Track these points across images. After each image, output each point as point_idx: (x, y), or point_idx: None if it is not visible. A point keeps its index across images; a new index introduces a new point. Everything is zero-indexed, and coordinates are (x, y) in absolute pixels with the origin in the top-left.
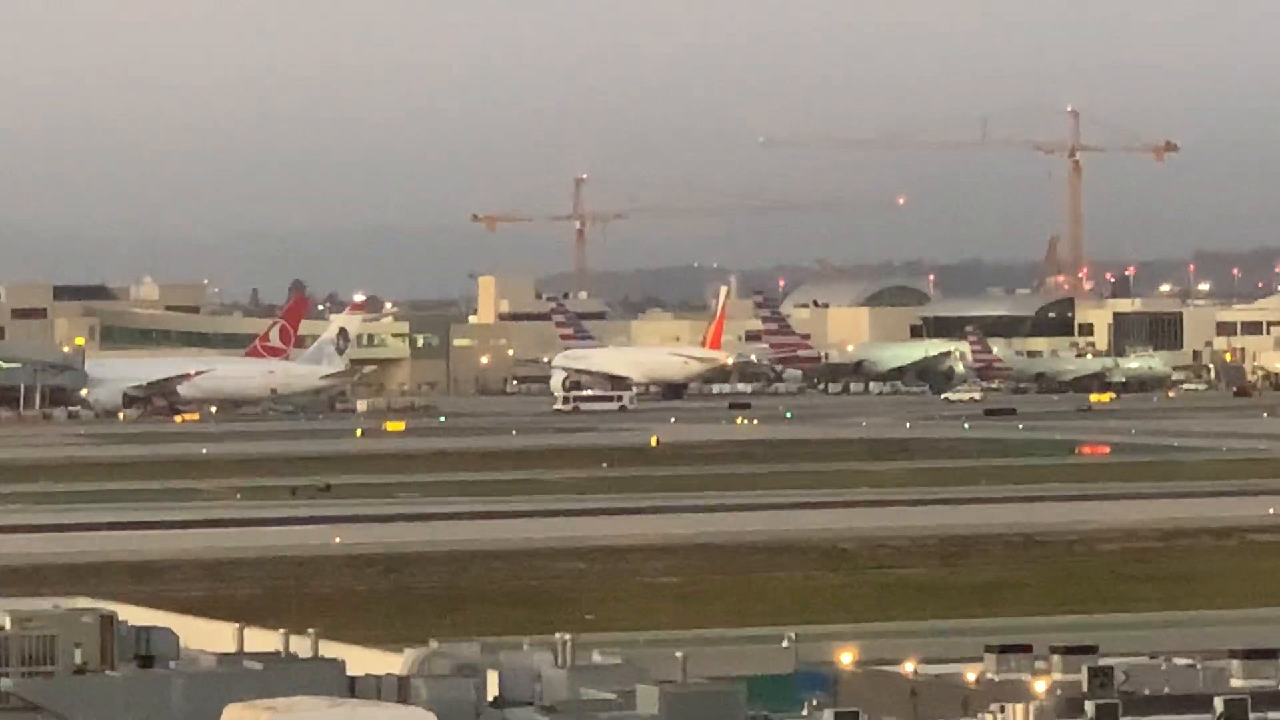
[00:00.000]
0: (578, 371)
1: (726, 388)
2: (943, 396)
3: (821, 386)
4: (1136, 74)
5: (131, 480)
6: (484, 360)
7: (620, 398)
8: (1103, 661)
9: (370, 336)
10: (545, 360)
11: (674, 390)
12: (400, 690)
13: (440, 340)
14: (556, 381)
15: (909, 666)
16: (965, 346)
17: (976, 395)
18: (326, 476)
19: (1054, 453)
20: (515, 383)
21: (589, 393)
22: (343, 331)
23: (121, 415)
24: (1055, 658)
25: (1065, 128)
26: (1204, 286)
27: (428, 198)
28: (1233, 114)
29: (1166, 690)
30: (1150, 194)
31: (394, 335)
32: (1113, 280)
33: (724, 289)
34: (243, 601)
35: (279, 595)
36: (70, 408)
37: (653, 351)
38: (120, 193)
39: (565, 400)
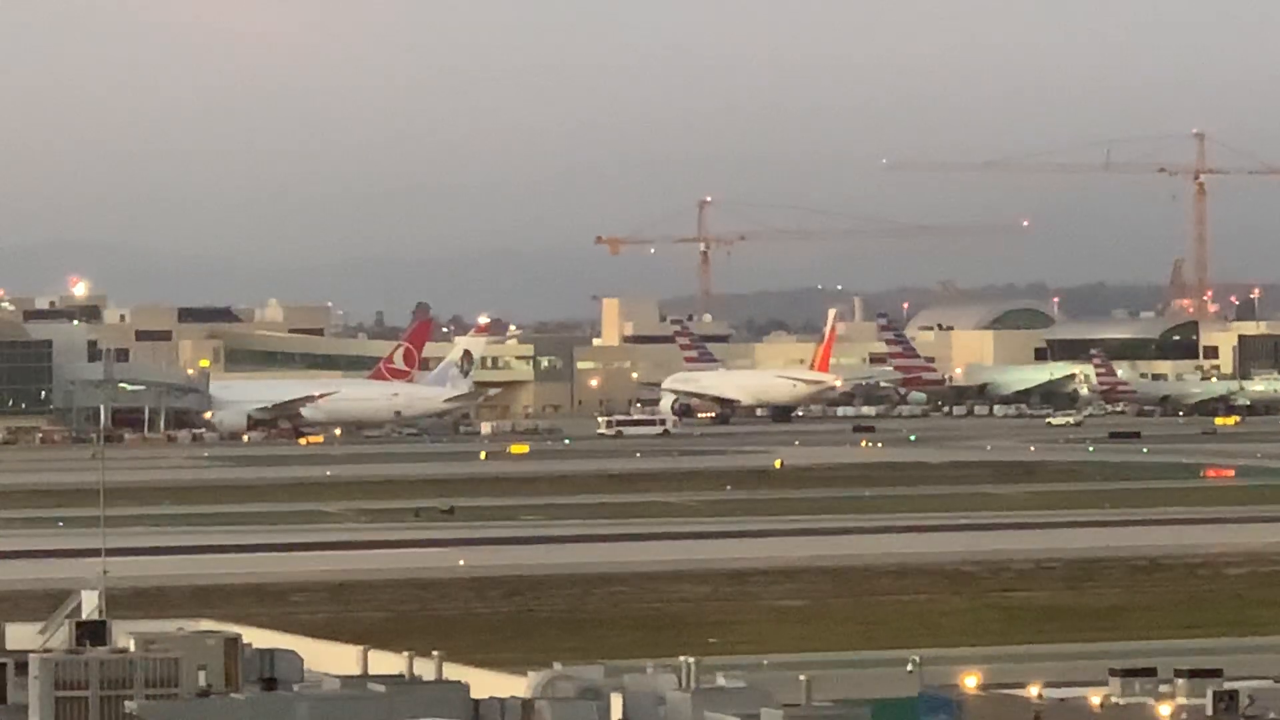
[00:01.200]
0: (687, 394)
1: (851, 410)
2: (1046, 421)
3: (946, 409)
4: (1262, 96)
5: (256, 503)
6: (593, 383)
7: (664, 421)
8: (1228, 685)
9: (494, 359)
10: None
11: (782, 413)
12: (524, 713)
13: (564, 363)
14: (666, 404)
15: (1033, 690)
16: (1090, 369)
17: (1074, 420)
18: (450, 499)
19: (1179, 476)
20: (639, 405)
21: (635, 416)
22: (467, 354)
23: (246, 437)
24: (1180, 681)
25: (1190, 150)
26: None
27: (551, 220)
28: None
29: None
30: (1276, 216)
31: (518, 358)
32: (1237, 303)
33: (832, 312)
34: (367, 624)
35: (403, 618)
36: (195, 430)
37: (761, 374)
38: (245, 216)
39: (609, 425)
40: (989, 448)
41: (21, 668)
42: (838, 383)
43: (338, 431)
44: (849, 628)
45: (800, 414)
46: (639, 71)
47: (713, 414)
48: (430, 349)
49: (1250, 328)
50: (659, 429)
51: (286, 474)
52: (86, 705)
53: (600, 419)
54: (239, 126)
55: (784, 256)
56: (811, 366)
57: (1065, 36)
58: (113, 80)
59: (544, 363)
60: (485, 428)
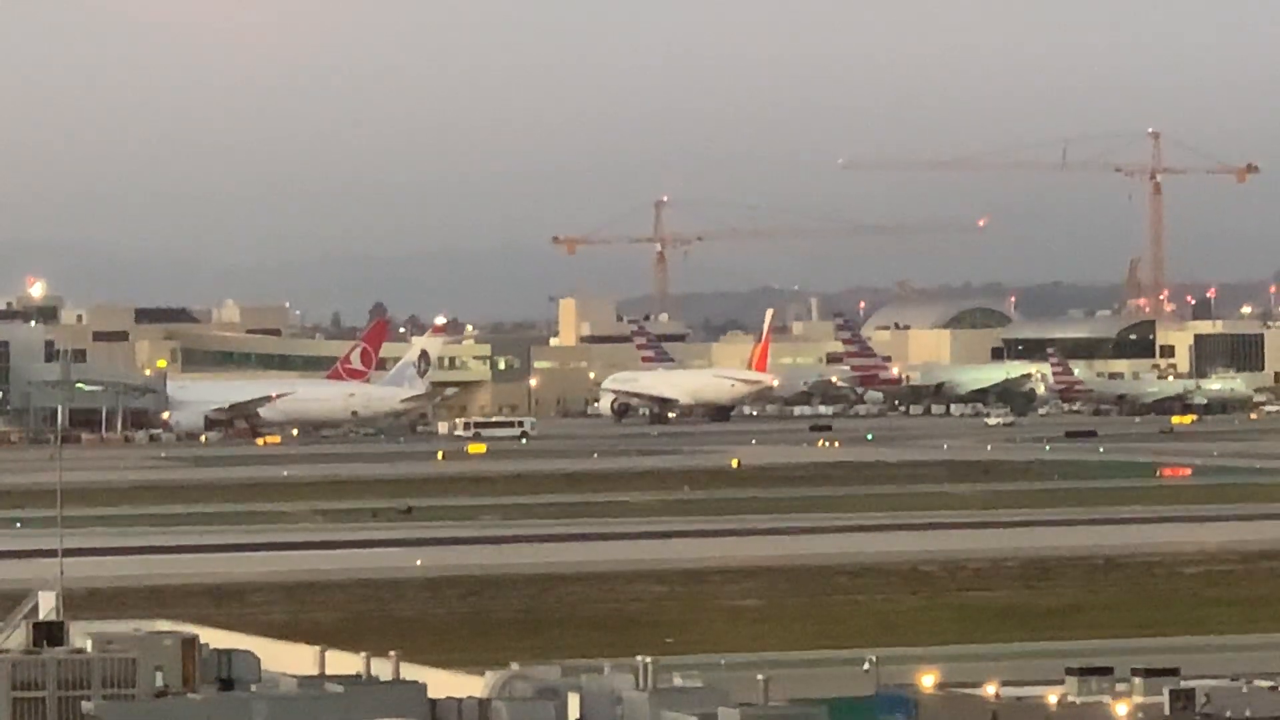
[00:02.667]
0: (626, 394)
1: (808, 410)
2: (986, 421)
3: (903, 408)
4: (1217, 95)
5: (213, 503)
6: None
7: (521, 424)
8: (1184, 684)
9: (451, 359)
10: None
11: (720, 412)
12: (481, 713)
13: (521, 362)
14: (605, 404)
15: (990, 689)
16: (1046, 368)
17: (1005, 421)
18: (408, 499)
19: (1135, 475)
20: (596, 405)
21: (494, 419)
22: (424, 354)
23: (203, 438)
24: (1137, 680)
25: (1146, 150)
26: None
27: (508, 220)
28: None
29: (1248, 713)
30: (1231, 215)
31: (475, 358)
32: (1194, 302)
33: (770, 312)
34: (324, 624)
35: (360, 618)
36: (152, 430)
37: (698, 374)
38: (202, 216)
39: (466, 427)
40: (946, 447)
41: None
42: (775, 382)
43: (295, 432)
44: (806, 627)
45: (754, 414)
46: (596, 71)
47: (707, 412)
48: (387, 349)
49: (1206, 327)
50: (517, 431)
51: (244, 474)
52: (44, 705)
53: (458, 421)
54: (195, 126)
55: (741, 256)
56: (749, 366)
57: (1021, 36)
58: (68, 79)
59: (501, 363)
60: (443, 427)
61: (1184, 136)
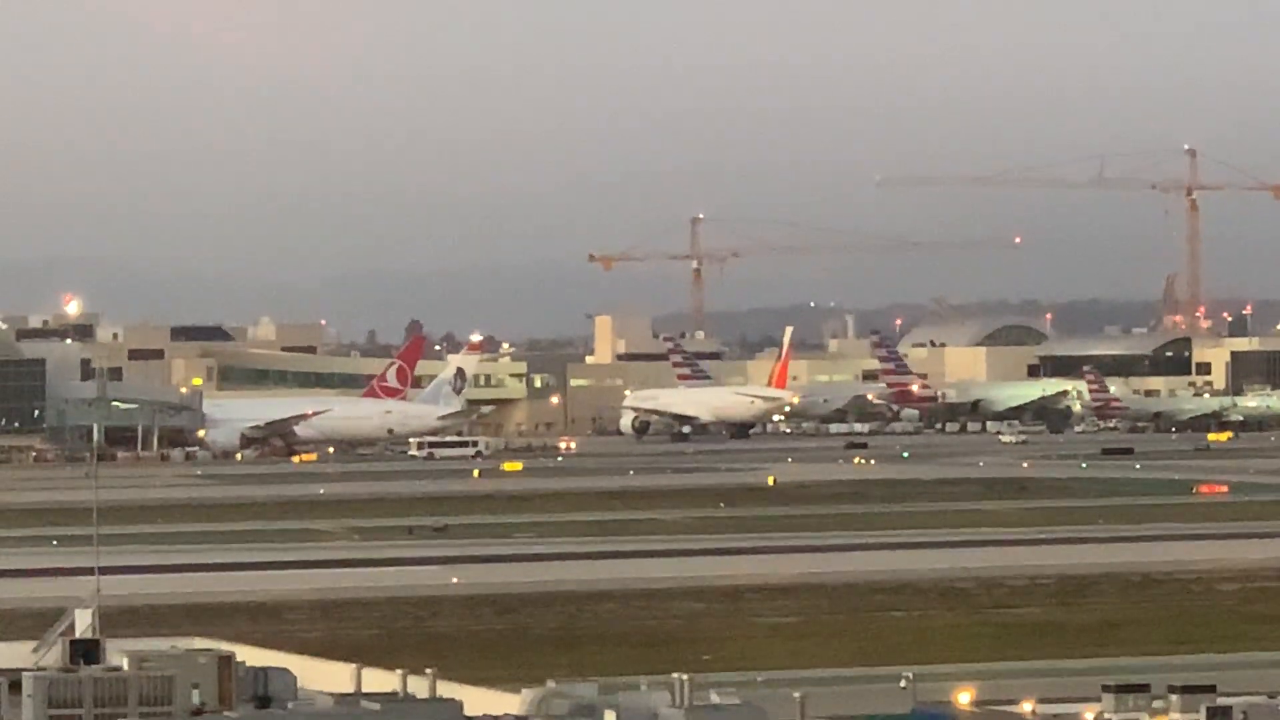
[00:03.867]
0: (647, 411)
1: (844, 427)
2: (1000, 439)
3: (939, 426)
4: (1254, 112)
5: (249, 521)
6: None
7: (477, 444)
8: (1221, 701)
9: (487, 377)
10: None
11: (741, 430)
12: None
13: (557, 380)
14: (626, 421)
15: (1027, 706)
16: (1083, 385)
17: (1015, 438)
18: (444, 517)
19: (1172, 492)
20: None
21: (449, 439)
22: (460, 372)
23: (239, 456)
24: (1174, 697)
25: (1182, 166)
26: None
27: (544, 237)
28: None
29: None
30: (1268, 232)
31: (511, 375)
32: (1230, 319)
33: (789, 329)
34: (360, 642)
35: (397, 636)
36: (187, 448)
37: (718, 391)
38: (238, 234)
39: (420, 446)
40: (982, 464)
41: (15, 686)
42: (794, 399)
43: (331, 450)
44: (843, 644)
45: (789, 431)
46: (632, 87)
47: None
48: (423, 366)
49: (1243, 344)
50: (472, 451)
51: (279, 492)
52: None
53: (412, 441)
54: (232, 143)
55: (777, 273)
56: (769, 383)
57: (1058, 51)
58: (107, 97)
59: (537, 380)
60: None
61: (1220, 153)
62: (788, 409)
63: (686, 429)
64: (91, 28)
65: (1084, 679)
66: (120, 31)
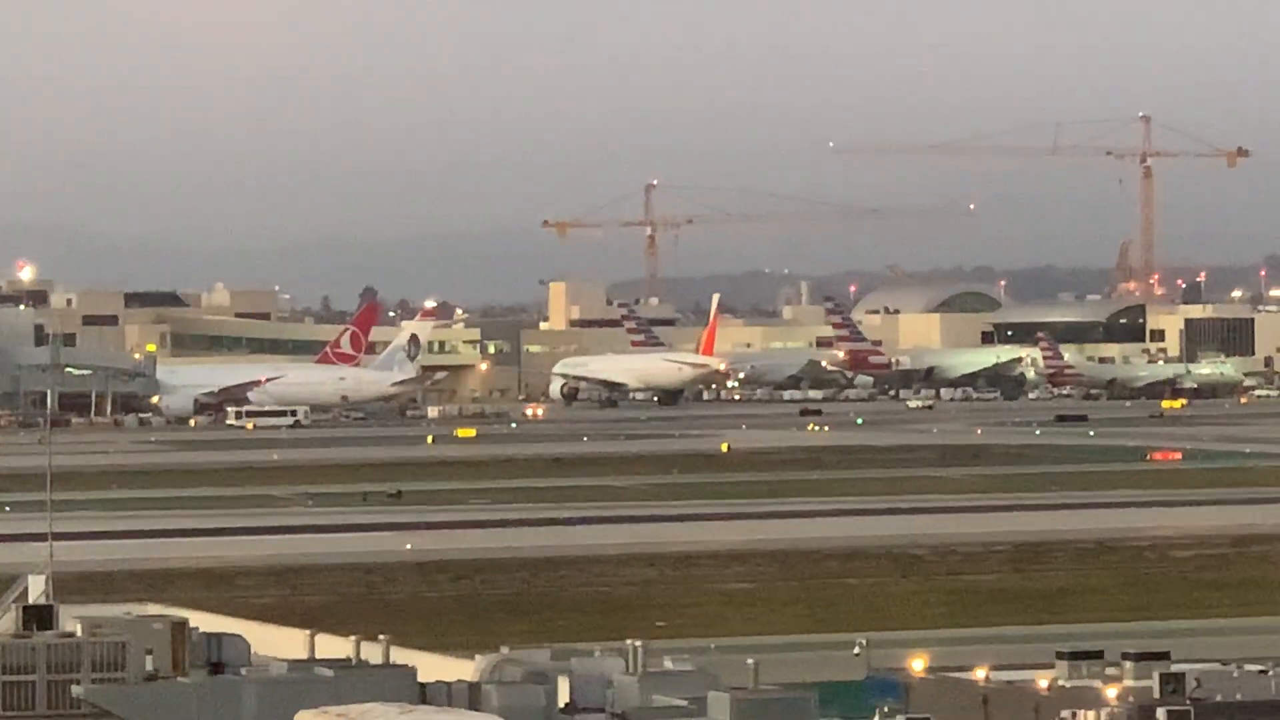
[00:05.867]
0: (575, 378)
1: (799, 394)
2: (907, 404)
3: (892, 392)
4: (1208, 79)
5: (202, 487)
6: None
7: (294, 413)
8: (1174, 668)
9: (441, 343)
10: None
11: (670, 396)
12: (471, 697)
13: (511, 347)
14: (555, 388)
15: (980, 673)
16: (1037, 353)
17: (927, 404)
18: (398, 483)
19: (1126, 459)
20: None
21: (266, 408)
22: (414, 338)
23: (193, 422)
24: (1127, 664)
25: (1136, 133)
26: (1276, 292)
27: (498, 204)
28: None
29: (1238, 697)
30: (1222, 199)
31: (465, 342)
32: (1184, 286)
33: (716, 296)
34: (314, 608)
35: (350, 602)
36: (141, 414)
37: (647, 358)
38: (192, 200)
39: (237, 416)
40: (935, 431)
41: None
42: (722, 366)
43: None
44: (796, 611)
45: (739, 399)
46: (586, 56)
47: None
48: (377, 333)
49: (1197, 311)
50: (290, 420)
51: (234, 458)
52: (33, 689)
53: (230, 409)
54: (185, 110)
55: (731, 240)
56: (698, 350)
57: (1011, 19)
58: (58, 63)
59: (491, 347)
60: (433, 412)
61: (1174, 120)
62: (734, 378)
63: (615, 396)
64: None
65: (1037, 646)
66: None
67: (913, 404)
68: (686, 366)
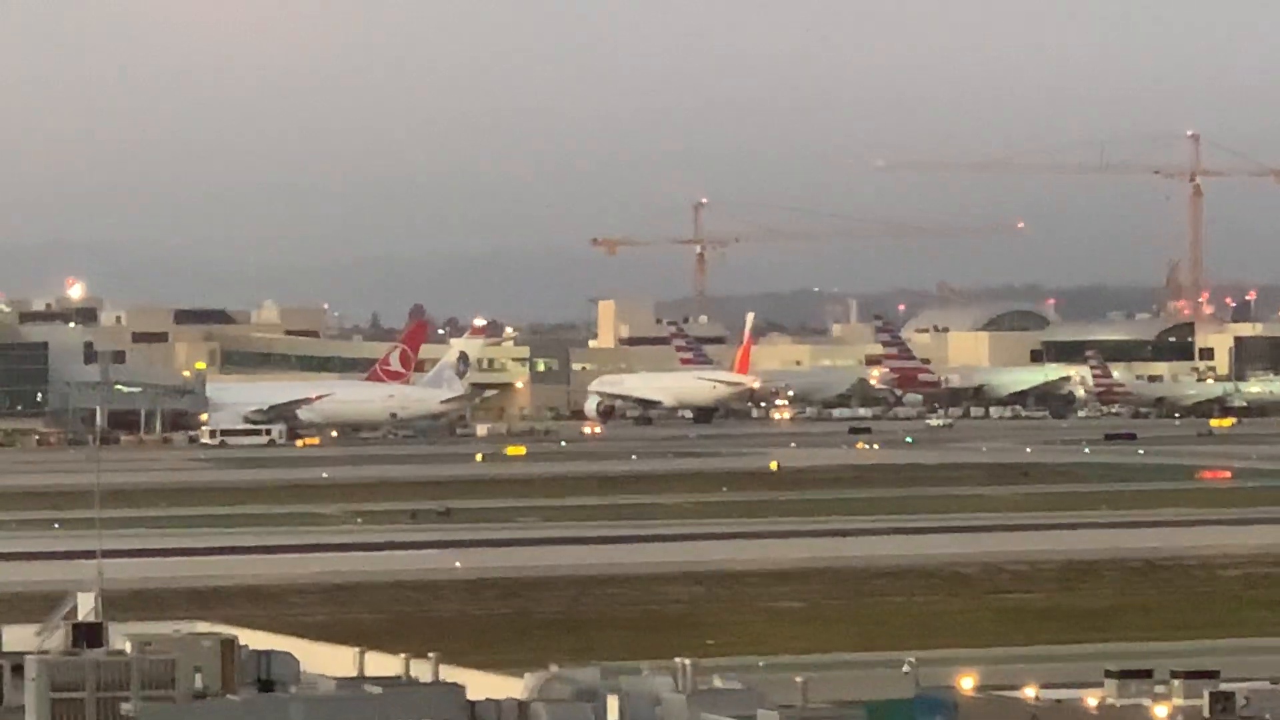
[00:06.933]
0: (611, 395)
1: (847, 412)
2: (927, 423)
3: (942, 411)
4: (1258, 98)
5: (251, 505)
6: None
7: (270, 432)
8: (1224, 686)
9: (490, 361)
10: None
11: (704, 414)
12: (520, 715)
13: (560, 365)
14: (591, 406)
15: (1029, 692)
16: (1086, 371)
17: (947, 423)
18: (447, 501)
19: (1175, 477)
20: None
21: (242, 426)
22: (463, 356)
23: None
24: (1176, 683)
25: (1185, 152)
26: None
27: (548, 222)
28: None
29: None
30: (1271, 217)
31: (514, 359)
32: (1233, 304)
33: (750, 315)
34: (363, 626)
35: (400, 619)
36: (190, 431)
37: (681, 376)
38: (242, 217)
39: (212, 435)
40: (985, 449)
41: (18, 670)
42: (756, 384)
43: (334, 433)
44: (845, 629)
45: (791, 417)
46: (635, 72)
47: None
48: (426, 350)
49: (1246, 329)
50: (265, 439)
51: (282, 476)
52: (83, 707)
53: (204, 430)
54: (235, 127)
55: (780, 258)
56: (733, 368)
57: (1061, 36)
58: (109, 80)
59: (540, 365)
60: (481, 429)
61: (1223, 138)
62: (781, 396)
63: (650, 413)
64: (94, 14)
65: (1086, 664)
66: (122, 17)
67: (933, 423)
68: (721, 385)
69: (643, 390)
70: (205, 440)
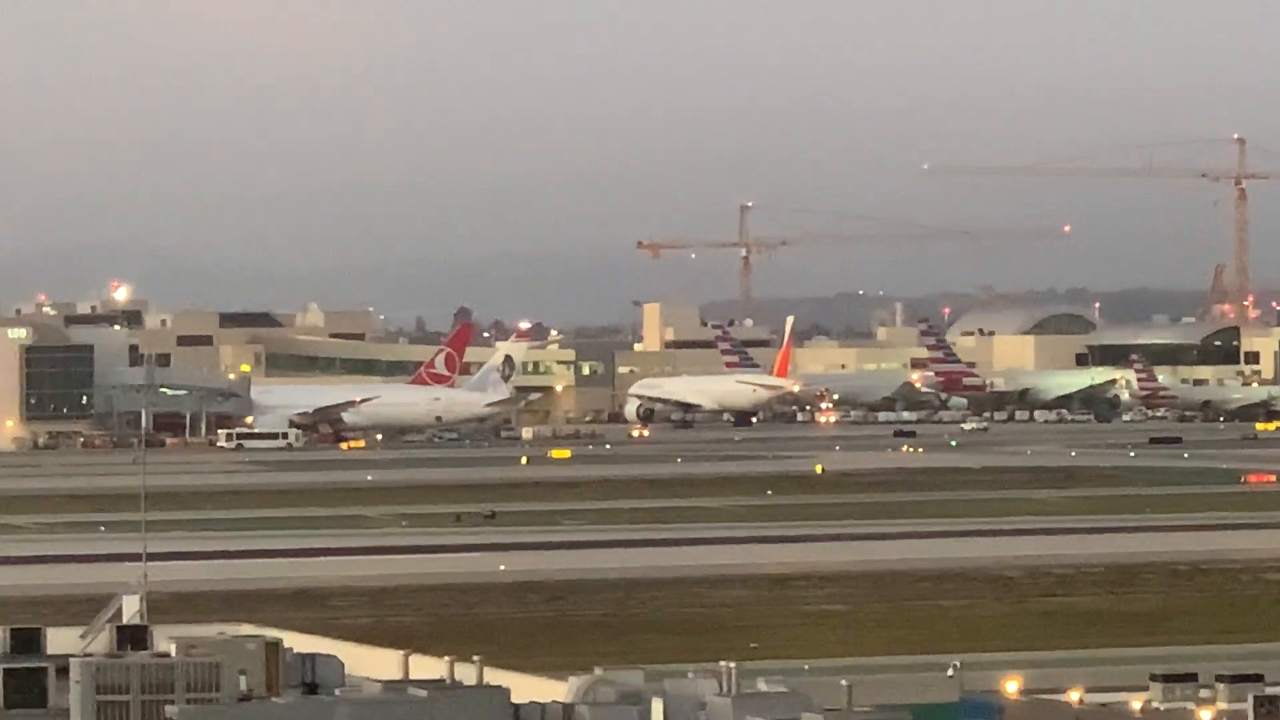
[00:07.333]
0: (651, 399)
1: (893, 415)
2: (962, 427)
3: (986, 414)
4: None
5: (296, 507)
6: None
7: (286, 435)
8: (1268, 690)
9: (535, 364)
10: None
11: (743, 417)
12: (565, 718)
13: (605, 368)
14: (631, 409)
15: (1074, 695)
16: (1131, 374)
17: (981, 427)
18: (491, 504)
19: (1220, 481)
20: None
21: (257, 430)
22: (508, 359)
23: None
24: (1221, 686)
25: (1231, 155)
26: None
27: (593, 224)
28: None
29: None
30: None
31: (559, 363)
32: (1279, 308)
33: (790, 319)
34: (408, 629)
35: (444, 622)
36: (210, 435)
37: (721, 380)
38: (287, 220)
39: (228, 438)
40: (1029, 453)
41: (63, 672)
42: (796, 388)
43: (379, 436)
44: (890, 632)
45: (835, 420)
46: (680, 75)
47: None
48: (471, 354)
49: None
50: (282, 443)
51: (327, 479)
52: (127, 709)
53: (220, 433)
54: (280, 130)
55: (825, 261)
56: (773, 371)
57: (1105, 40)
58: (154, 84)
59: (585, 368)
60: (526, 433)
61: (1269, 142)
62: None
63: (690, 416)
64: (139, 18)
65: (1131, 668)
66: (168, 23)
67: (967, 427)
68: (760, 388)
69: (682, 393)
70: (222, 444)
